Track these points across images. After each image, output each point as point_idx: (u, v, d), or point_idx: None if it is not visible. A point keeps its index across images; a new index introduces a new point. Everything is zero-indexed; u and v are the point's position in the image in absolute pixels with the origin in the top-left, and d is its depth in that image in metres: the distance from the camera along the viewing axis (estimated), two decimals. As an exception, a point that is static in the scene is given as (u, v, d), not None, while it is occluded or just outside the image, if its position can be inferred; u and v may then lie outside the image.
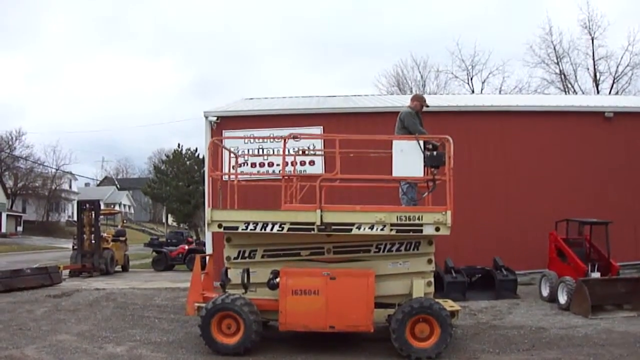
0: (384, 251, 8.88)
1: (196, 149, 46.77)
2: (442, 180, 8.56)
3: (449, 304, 9.32)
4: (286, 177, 9.84)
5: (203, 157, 41.30)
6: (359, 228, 8.41)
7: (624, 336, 9.62)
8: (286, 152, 9.48)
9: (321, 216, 8.39)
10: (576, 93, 41.80)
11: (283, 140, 9.09)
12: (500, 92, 44.69)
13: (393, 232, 8.41)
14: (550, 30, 45.79)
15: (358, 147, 11.50)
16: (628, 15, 65.70)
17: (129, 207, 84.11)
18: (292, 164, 12.01)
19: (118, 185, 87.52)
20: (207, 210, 8.82)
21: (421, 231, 8.41)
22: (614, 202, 16.38)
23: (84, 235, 22.15)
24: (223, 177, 10.23)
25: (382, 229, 8.37)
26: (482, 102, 19.56)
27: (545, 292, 13.30)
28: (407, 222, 8.37)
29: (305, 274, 8.61)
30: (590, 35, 42.78)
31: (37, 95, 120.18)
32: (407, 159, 8.53)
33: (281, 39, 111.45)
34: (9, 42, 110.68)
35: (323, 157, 15.69)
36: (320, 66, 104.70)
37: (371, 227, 8.39)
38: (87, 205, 23.01)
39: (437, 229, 8.34)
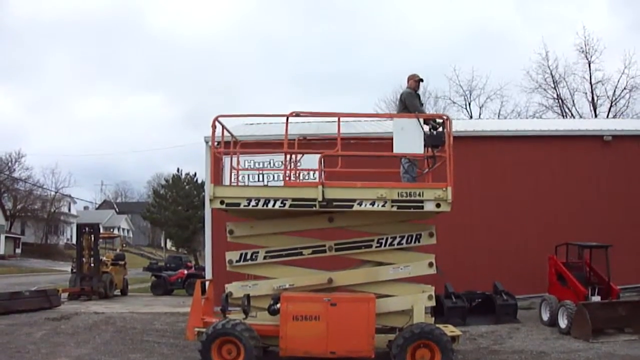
0: (385, 245, 8.97)
1: (195, 174, 46.85)
2: (442, 156, 8.64)
3: (449, 329, 9.30)
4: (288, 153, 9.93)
5: (202, 182, 41.38)
6: (360, 204, 8.43)
7: (625, 360, 9.60)
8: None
9: (323, 192, 8.41)
10: (574, 117, 41.97)
11: (286, 118, 8.94)
12: (498, 116, 44.80)
13: (394, 209, 8.42)
14: (546, 55, 45.80)
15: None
16: (624, 39, 66.37)
17: (128, 230, 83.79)
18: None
19: (117, 209, 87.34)
20: (210, 186, 8.82)
21: (422, 207, 8.43)
22: (613, 225, 16.39)
23: (83, 259, 22.16)
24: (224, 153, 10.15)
25: (383, 205, 8.39)
26: (481, 127, 19.66)
27: (545, 316, 13.24)
28: (408, 198, 8.40)
29: (306, 299, 8.63)
30: (587, 59, 42.94)
31: (37, 121, 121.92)
32: (408, 136, 8.60)
33: (266, 75, 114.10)
34: (15, 75, 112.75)
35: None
36: (311, 99, 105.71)
37: (372, 203, 8.41)
38: (87, 229, 23.06)
39: (438, 205, 8.38)
